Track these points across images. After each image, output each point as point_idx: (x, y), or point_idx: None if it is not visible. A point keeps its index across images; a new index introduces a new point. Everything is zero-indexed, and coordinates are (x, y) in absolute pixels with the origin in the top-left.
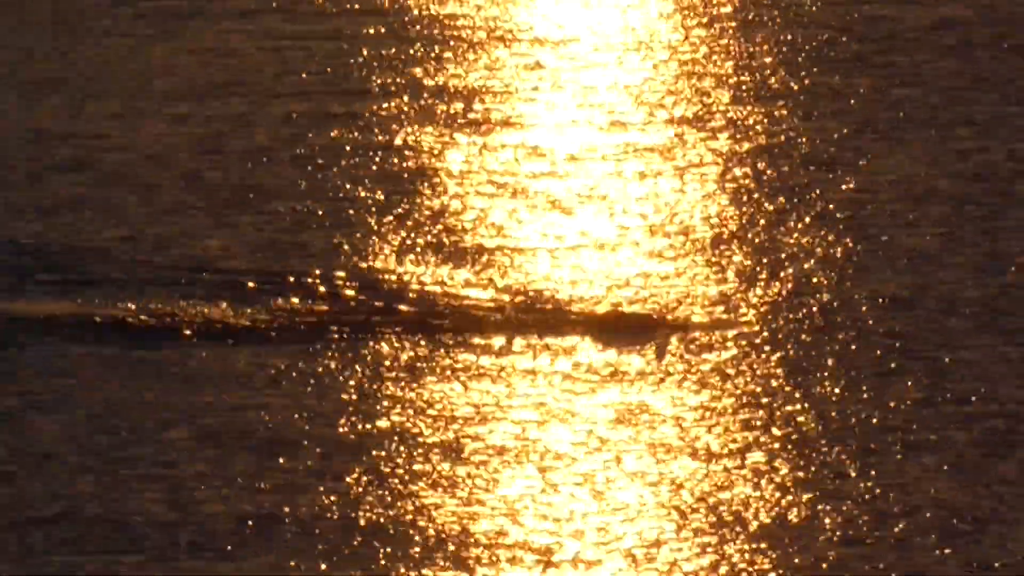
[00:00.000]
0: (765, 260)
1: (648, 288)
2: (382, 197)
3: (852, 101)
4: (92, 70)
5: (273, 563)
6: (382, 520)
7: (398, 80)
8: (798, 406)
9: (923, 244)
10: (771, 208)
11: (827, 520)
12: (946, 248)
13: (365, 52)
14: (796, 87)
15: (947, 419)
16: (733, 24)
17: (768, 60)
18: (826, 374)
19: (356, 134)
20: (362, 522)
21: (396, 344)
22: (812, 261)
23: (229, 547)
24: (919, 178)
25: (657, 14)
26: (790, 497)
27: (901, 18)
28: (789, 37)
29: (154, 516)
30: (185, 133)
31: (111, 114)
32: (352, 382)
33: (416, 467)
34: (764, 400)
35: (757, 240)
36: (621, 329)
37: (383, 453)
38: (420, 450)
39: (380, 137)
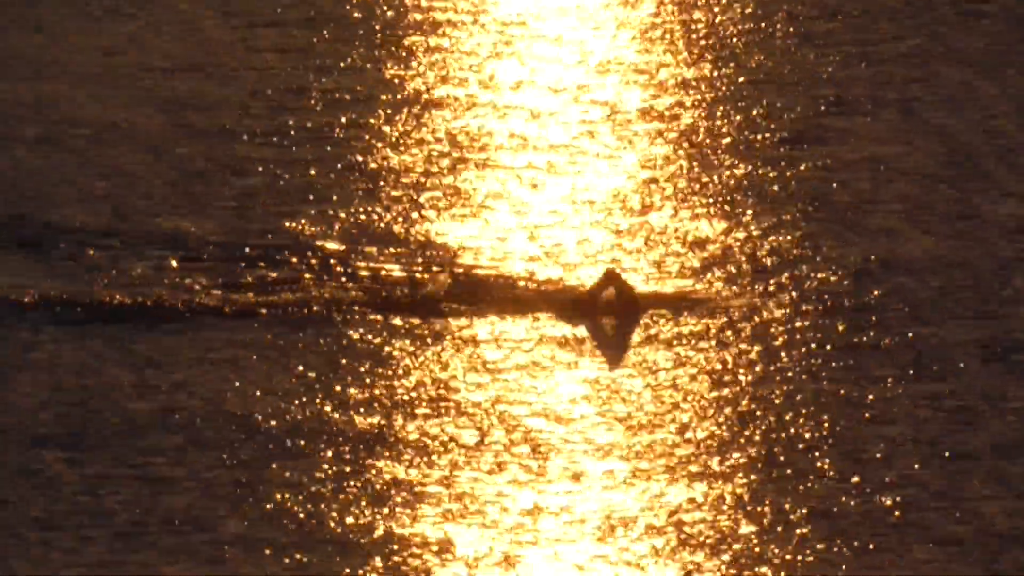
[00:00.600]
0: (733, 235)
1: (615, 264)
2: (353, 176)
3: (822, 77)
4: (59, 45)
5: (244, 537)
6: (352, 496)
7: (370, 57)
8: (766, 382)
9: (892, 221)
10: (740, 184)
11: (794, 496)
12: (916, 225)
13: (337, 28)
14: (766, 63)
15: (916, 396)
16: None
17: (738, 37)
18: (794, 350)
19: (327, 111)
20: (337, 498)
21: (368, 324)
22: (780, 237)
23: (200, 522)
24: (889, 155)
25: None
26: (757, 473)
27: None
28: (759, 13)
29: (125, 492)
30: (154, 109)
31: (79, 90)
32: (322, 361)
33: (388, 447)
34: (732, 375)
35: (725, 216)
36: (587, 307)
37: (355, 431)
38: (392, 430)
39: (351, 115)
